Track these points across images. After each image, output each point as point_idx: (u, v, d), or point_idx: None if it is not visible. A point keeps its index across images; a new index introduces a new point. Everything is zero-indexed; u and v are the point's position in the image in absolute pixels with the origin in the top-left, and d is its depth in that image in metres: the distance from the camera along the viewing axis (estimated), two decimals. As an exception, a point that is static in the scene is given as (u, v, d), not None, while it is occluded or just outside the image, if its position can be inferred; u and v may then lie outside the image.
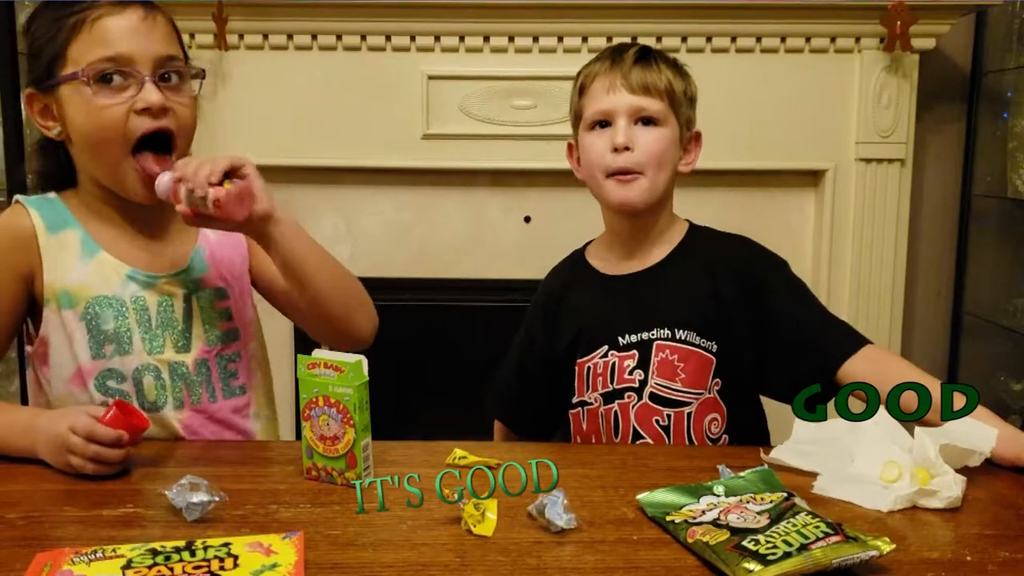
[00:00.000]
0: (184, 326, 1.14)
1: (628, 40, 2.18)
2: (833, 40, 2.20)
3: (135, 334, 1.11)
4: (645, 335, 1.21)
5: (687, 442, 1.20)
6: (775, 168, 2.29)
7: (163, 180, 1.04)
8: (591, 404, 1.25)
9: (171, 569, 0.72)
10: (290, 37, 2.21)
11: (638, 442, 1.21)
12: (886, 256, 2.28)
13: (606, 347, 1.23)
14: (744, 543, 0.75)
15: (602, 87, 1.22)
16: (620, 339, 1.22)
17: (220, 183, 1.01)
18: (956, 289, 2.47)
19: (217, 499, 0.85)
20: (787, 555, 0.72)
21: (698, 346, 1.20)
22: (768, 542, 0.74)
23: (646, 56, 1.24)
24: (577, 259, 1.35)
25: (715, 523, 0.81)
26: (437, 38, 2.22)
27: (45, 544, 0.78)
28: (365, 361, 0.93)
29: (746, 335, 1.21)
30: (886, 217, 2.27)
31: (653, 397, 1.20)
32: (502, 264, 2.35)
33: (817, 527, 0.76)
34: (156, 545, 0.76)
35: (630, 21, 2.19)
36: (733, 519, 0.81)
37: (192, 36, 2.20)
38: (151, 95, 1.05)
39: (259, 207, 1.04)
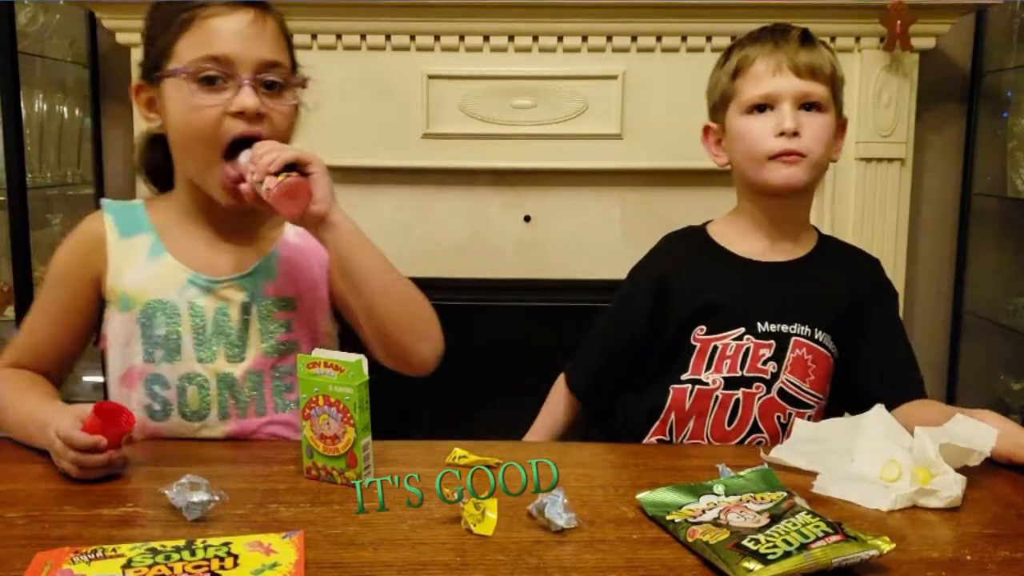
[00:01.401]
0: (239, 335, 1.12)
1: (628, 39, 2.20)
2: (833, 39, 2.20)
3: (185, 341, 1.11)
4: (784, 328, 1.19)
5: None
6: (775, 167, 2.29)
7: (243, 156, 1.04)
8: (706, 384, 1.20)
9: (171, 568, 0.72)
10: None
11: (752, 436, 1.19)
12: (886, 255, 2.28)
13: (742, 330, 1.19)
14: (744, 542, 0.75)
15: (766, 69, 1.17)
16: (759, 325, 1.19)
17: (278, 173, 1.00)
18: (956, 288, 2.47)
19: (217, 498, 0.85)
20: (787, 554, 0.72)
21: (829, 350, 1.19)
22: (768, 541, 0.74)
23: (810, 38, 1.19)
24: (699, 236, 1.29)
25: (715, 522, 0.81)
26: (437, 37, 2.22)
27: (45, 543, 0.78)
28: (365, 360, 0.93)
29: (856, 346, 1.21)
30: (886, 216, 2.27)
31: (781, 393, 1.18)
32: (502, 264, 2.35)
33: (817, 526, 0.76)
34: (156, 544, 0.76)
35: (630, 20, 2.19)
36: (733, 518, 0.81)
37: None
38: (247, 99, 1.04)
39: (315, 208, 1.02)
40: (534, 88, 2.24)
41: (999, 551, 0.80)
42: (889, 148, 2.24)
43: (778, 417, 1.18)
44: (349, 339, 1.19)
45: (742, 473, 0.91)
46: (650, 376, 1.25)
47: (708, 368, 1.20)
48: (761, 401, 1.18)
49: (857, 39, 2.20)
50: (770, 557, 0.72)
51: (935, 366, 2.47)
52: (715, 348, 1.20)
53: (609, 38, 2.21)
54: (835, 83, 1.20)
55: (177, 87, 1.06)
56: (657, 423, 1.24)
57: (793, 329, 1.19)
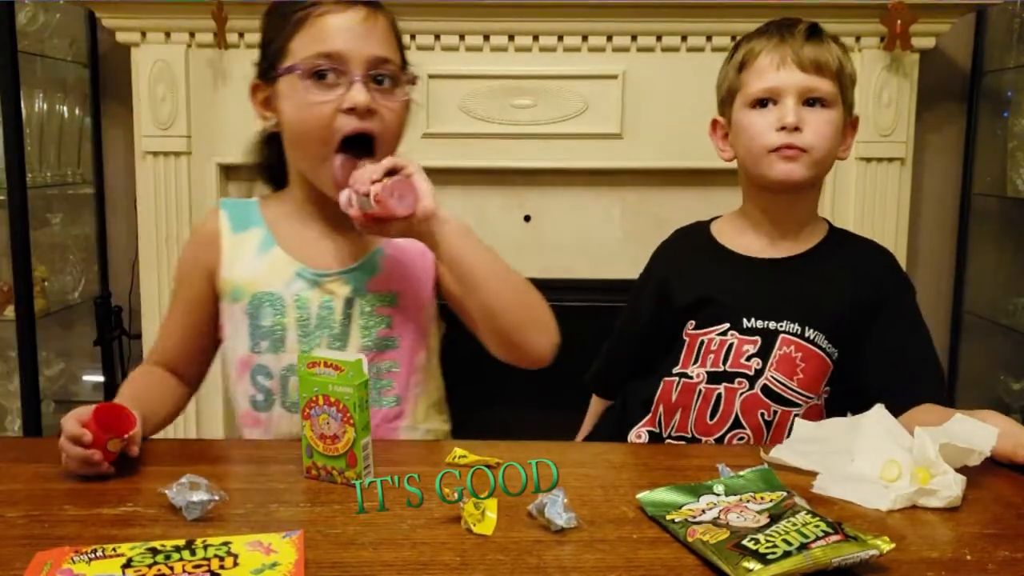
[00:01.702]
0: (341, 329, 1.13)
1: (629, 38, 2.20)
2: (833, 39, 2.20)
3: (289, 333, 1.13)
4: (772, 324, 1.18)
5: None
6: (775, 167, 2.29)
7: (343, 194, 1.05)
8: (691, 378, 1.21)
9: (171, 568, 0.72)
10: (290, 36, 2.21)
11: (734, 431, 1.18)
12: (886, 255, 2.28)
13: (727, 325, 1.19)
14: (744, 542, 0.75)
15: (770, 63, 1.17)
16: (745, 321, 1.18)
17: (380, 181, 1.01)
18: (956, 288, 2.48)
19: (217, 498, 0.85)
20: (787, 554, 0.72)
21: (823, 349, 1.18)
22: (768, 541, 0.74)
23: (817, 33, 1.19)
24: (701, 233, 1.29)
25: (715, 522, 0.81)
26: (437, 37, 2.22)
27: (45, 543, 0.78)
28: (365, 360, 0.93)
29: (861, 344, 1.19)
30: (886, 216, 2.27)
31: (765, 390, 1.17)
32: (502, 263, 2.35)
33: (817, 526, 0.76)
34: (156, 544, 0.76)
35: (630, 20, 2.19)
36: (733, 518, 0.81)
37: (192, 35, 2.20)
38: (358, 95, 1.05)
39: (424, 204, 1.04)
40: (534, 88, 2.24)
41: (999, 551, 0.80)
42: (889, 148, 2.25)
43: (762, 414, 1.18)
44: (459, 338, 1.18)
45: (742, 473, 0.91)
46: (650, 370, 1.26)
47: (695, 362, 1.21)
48: (743, 397, 1.18)
49: (857, 39, 2.20)
50: (770, 557, 0.72)
51: (935, 366, 2.47)
52: (701, 343, 1.21)
53: (609, 38, 2.21)
54: (842, 79, 1.18)
55: (291, 85, 1.08)
56: (648, 415, 1.25)
57: (781, 326, 1.18)
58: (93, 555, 0.74)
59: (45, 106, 2.33)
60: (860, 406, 1.12)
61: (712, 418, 1.19)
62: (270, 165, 1.21)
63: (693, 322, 1.22)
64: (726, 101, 1.24)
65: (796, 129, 1.15)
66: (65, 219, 2.46)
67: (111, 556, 0.74)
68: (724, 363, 1.19)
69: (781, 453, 1.00)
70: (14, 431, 2.31)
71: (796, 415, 1.17)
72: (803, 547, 0.73)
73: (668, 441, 1.24)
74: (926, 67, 2.25)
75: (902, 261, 2.29)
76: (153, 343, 1.24)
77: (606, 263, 2.31)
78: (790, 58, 1.16)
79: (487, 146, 2.27)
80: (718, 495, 0.87)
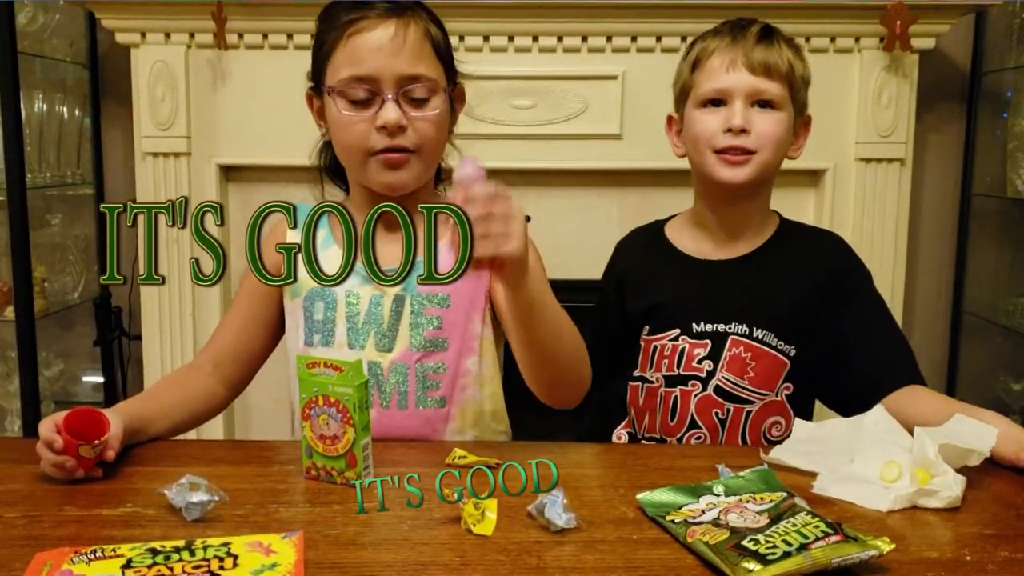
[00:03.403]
0: (389, 326, 1.14)
1: (628, 39, 2.20)
2: (833, 40, 2.20)
3: (339, 327, 1.14)
4: (721, 327, 1.19)
5: (740, 440, 1.19)
6: (775, 168, 2.29)
7: (466, 167, 0.97)
8: (652, 383, 1.23)
9: (171, 569, 0.72)
10: (290, 37, 2.21)
11: (691, 432, 1.20)
12: (886, 256, 2.28)
13: (678, 331, 1.20)
14: (744, 543, 0.75)
15: (720, 64, 1.18)
16: (694, 326, 1.19)
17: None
18: (956, 289, 2.48)
19: (217, 499, 0.85)
20: (787, 555, 0.72)
21: (774, 348, 1.18)
22: (768, 542, 0.74)
23: (769, 35, 1.19)
24: (655, 233, 1.31)
25: (715, 523, 0.81)
26: (437, 38, 2.22)
27: (45, 544, 0.78)
28: (364, 361, 0.93)
29: (822, 338, 1.19)
30: (886, 217, 2.27)
31: (718, 390, 1.19)
32: (502, 264, 2.35)
33: (817, 527, 0.76)
34: (156, 545, 0.76)
35: (630, 20, 2.19)
36: (733, 519, 0.81)
37: (192, 35, 2.20)
38: (389, 114, 1.08)
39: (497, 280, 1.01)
40: (534, 88, 2.24)
41: (999, 551, 0.80)
42: (889, 148, 2.24)
43: (716, 413, 1.19)
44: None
45: (742, 473, 0.91)
46: (618, 372, 1.28)
47: (651, 367, 1.23)
48: (697, 398, 1.19)
49: (857, 39, 2.20)
50: (770, 557, 0.72)
51: (935, 366, 2.47)
52: (655, 348, 1.22)
53: (609, 38, 2.21)
54: (792, 81, 1.19)
55: (331, 102, 1.12)
56: (627, 417, 1.28)
57: (730, 328, 1.19)
58: (93, 556, 0.74)
59: (45, 107, 2.33)
60: (837, 397, 1.12)
61: (672, 420, 1.21)
62: (327, 168, 1.25)
63: (648, 327, 1.24)
64: (680, 98, 1.26)
65: (743, 131, 1.16)
66: (65, 220, 2.46)
67: (111, 557, 0.74)
68: (678, 367, 1.20)
69: (781, 453, 1.00)
70: (14, 432, 2.31)
71: (750, 412, 1.18)
72: (803, 547, 0.73)
73: (643, 442, 1.26)
74: (926, 68, 2.25)
75: (902, 261, 2.29)
76: (208, 339, 1.25)
77: (606, 263, 2.31)
78: (740, 60, 1.17)
79: (487, 147, 2.25)
80: (718, 496, 0.87)
